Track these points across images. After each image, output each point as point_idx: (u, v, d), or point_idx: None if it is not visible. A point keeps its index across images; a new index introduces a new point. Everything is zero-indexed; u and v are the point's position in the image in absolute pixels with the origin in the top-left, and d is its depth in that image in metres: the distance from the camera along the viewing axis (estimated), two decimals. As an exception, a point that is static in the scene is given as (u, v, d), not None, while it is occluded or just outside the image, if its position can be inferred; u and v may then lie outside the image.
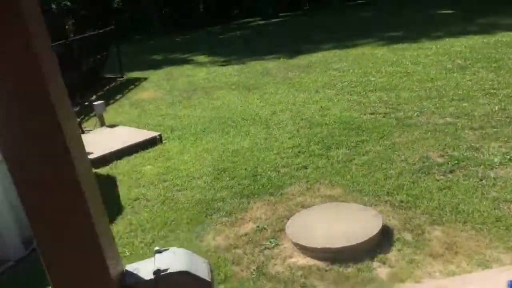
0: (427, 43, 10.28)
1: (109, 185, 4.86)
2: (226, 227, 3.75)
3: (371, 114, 5.94)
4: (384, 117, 5.76)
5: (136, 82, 11.08)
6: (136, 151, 5.90)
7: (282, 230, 3.47)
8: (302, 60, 10.63)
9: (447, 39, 10.37)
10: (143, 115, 7.92)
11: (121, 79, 11.80)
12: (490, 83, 6.43)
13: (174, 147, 6.02)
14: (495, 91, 6.04)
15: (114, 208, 4.40)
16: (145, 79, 11.26)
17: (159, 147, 6.10)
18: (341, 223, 3.26)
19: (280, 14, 22.75)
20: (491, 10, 13.78)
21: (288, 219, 3.60)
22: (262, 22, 21.69)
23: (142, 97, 9.42)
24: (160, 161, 5.54)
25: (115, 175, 5.21)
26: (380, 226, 3.12)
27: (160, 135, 6.33)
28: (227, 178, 4.66)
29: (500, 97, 5.73)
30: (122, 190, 4.79)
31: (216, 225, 3.80)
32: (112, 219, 4.17)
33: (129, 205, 4.43)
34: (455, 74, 7.22)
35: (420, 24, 13.15)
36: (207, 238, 3.64)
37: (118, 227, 4.03)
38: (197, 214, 4.03)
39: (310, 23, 18.47)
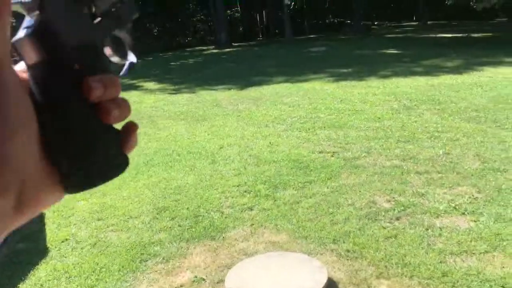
0: (375, 81, 10.52)
1: (34, 222, 4.43)
2: (161, 276, 3.45)
3: (320, 152, 5.86)
4: (332, 156, 5.69)
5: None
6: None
7: (222, 281, 3.22)
8: (253, 92, 10.58)
9: (393, 79, 10.68)
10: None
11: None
12: (434, 125, 6.56)
13: (112, 181, 5.64)
14: (439, 134, 6.14)
15: (38, 250, 3.99)
16: (90, 103, 10.79)
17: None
18: (285, 276, 3.05)
19: (234, 44, 22.90)
20: (434, 52, 14.44)
21: (229, 268, 3.35)
22: (216, 50, 21.72)
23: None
24: (95, 196, 5.16)
25: (42, 211, 4.78)
26: (325, 280, 2.94)
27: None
28: (167, 218, 4.37)
29: (444, 141, 5.82)
30: (50, 229, 4.37)
31: (150, 273, 3.49)
32: (34, 264, 3.76)
33: (55, 247, 4.02)
34: (401, 115, 7.34)
35: (368, 63, 13.54)
36: (139, 288, 3.32)
37: (40, 273, 3.63)
38: (131, 259, 3.70)
39: (263, 54, 18.65)
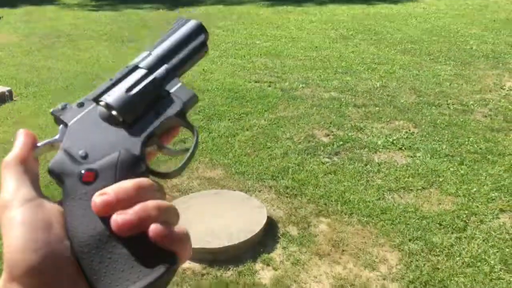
0: (312, 8, 10.19)
1: None
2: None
3: (256, 82, 5.58)
4: (269, 86, 5.44)
5: (-15, 20, 9.34)
6: (-23, 111, 4.84)
7: (154, 222, 2.98)
8: (183, 13, 9.85)
9: (330, 6, 10.40)
10: (-9, 63, 6.62)
11: (-34, 15, 9.88)
12: (371, 57, 6.46)
13: (27, 106, 5.07)
14: (376, 65, 6.06)
15: None
16: (-2, 18, 9.55)
17: (8, 105, 5.10)
18: (222, 216, 2.87)
19: (162, -41, 21.15)
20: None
21: (161, 207, 3.11)
22: (142, -35, 19.97)
23: (-8, 40, 7.92)
24: (7, 124, 4.60)
25: None
26: (265, 220, 2.80)
27: (10, 91, 5.29)
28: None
29: (381, 73, 5.76)
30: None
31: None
32: None
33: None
34: (338, 45, 7.16)
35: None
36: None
37: None
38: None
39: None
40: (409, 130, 4.18)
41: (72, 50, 7.16)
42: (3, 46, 7.46)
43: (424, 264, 2.58)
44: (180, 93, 0.47)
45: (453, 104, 4.71)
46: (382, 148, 3.87)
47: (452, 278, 2.48)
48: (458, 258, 2.62)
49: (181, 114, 0.47)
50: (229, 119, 4.54)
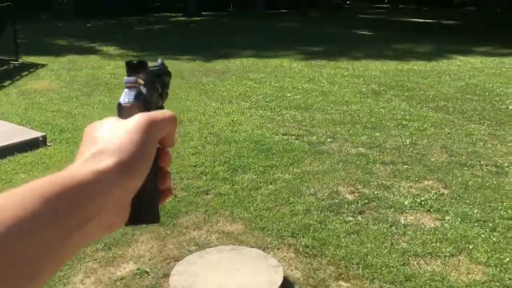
0: (345, 62, 10.28)
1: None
2: (100, 266, 3.11)
3: (284, 134, 5.58)
4: (296, 139, 5.42)
5: (32, 68, 9.86)
6: (11, 154, 5.00)
7: (167, 276, 2.91)
8: (219, 65, 10.14)
9: (363, 61, 10.47)
10: (31, 108, 6.91)
11: (15, 62, 10.47)
12: (402, 113, 6.38)
13: (59, 152, 5.20)
14: (406, 122, 5.97)
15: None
16: (44, 65, 10.07)
17: (41, 150, 5.25)
18: (237, 274, 2.78)
19: (203, 13, 22.12)
20: (405, 36, 14.32)
21: (177, 261, 3.05)
22: (184, 18, 20.91)
23: (35, 86, 8.32)
24: (38, 169, 4.72)
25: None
26: (280, 281, 2.69)
27: (44, 136, 5.46)
28: (114, 199, 3.99)
29: (411, 130, 5.65)
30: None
31: (89, 262, 3.15)
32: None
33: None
34: (369, 100, 7.13)
35: (339, 42, 13.28)
36: (73, 280, 2.97)
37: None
38: (69, 245, 3.33)
39: (233, 26, 18.08)
40: (439, 191, 4.02)
41: (108, 98, 7.41)
42: (44, 92, 7.81)
43: None
44: None
45: (486, 166, 4.53)
46: (409, 209, 3.72)
47: None
48: (487, 336, 2.41)
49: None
50: (254, 172, 4.51)
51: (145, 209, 0.48)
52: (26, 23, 14.55)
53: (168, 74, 0.63)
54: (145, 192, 0.47)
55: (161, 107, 0.59)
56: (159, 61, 0.62)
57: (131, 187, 0.44)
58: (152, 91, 0.56)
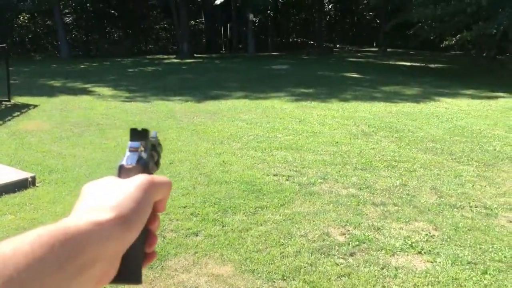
0: (335, 104, 10.45)
1: None
2: (86, 311, 3.02)
3: (274, 175, 5.58)
4: (287, 180, 5.42)
5: (23, 108, 9.90)
6: (-1, 195, 4.94)
7: (154, 321, 2.84)
8: (210, 105, 10.26)
9: (353, 102, 10.65)
10: (21, 149, 6.88)
11: (7, 103, 10.52)
12: (391, 154, 6.44)
13: (47, 193, 5.15)
14: (396, 163, 6.02)
15: None
16: (35, 106, 10.12)
17: (29, 191, 5.19)
18: (225, 319, 2.71)
19: (196, 55, 22.54)
20: (394, 79, 14.65)
21: (164, 305, 2.98)
22: (177, 60, 21.27)
23: (26, 127, 8.33)
24: (25, 210, 4.65)
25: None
26: (270, 326, 2.62)
27: (33, 177, 5.42)
28: (102, 241, 3.93)
29: (401, 171, 5.69)
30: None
31: (74, 307, 3.06)
32: None
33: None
34: (359, 141, 7.21)
35: (329, 85, 13.54)
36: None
37: None
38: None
39: (225, 68, 18.40)
40: (429, 233, 4.01)
41: (99, 139, 7.43)
42: (35, 133, 7.81)
43: None
44: None
45: (476, 207, 4.55)
46: (400, 251, 3.70)
47: None
48: None
49: None
50: (244, 213, 4.48)
51: (130, 267, 0.50)
52: (20, 64, 14.69)
53: (160, 146, 0.67)
54: (133, 251, 0.49)
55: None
56: (154, 133, 0.66)
57: (127, 241, 0.47)
58: (151, 157, 0.59)
